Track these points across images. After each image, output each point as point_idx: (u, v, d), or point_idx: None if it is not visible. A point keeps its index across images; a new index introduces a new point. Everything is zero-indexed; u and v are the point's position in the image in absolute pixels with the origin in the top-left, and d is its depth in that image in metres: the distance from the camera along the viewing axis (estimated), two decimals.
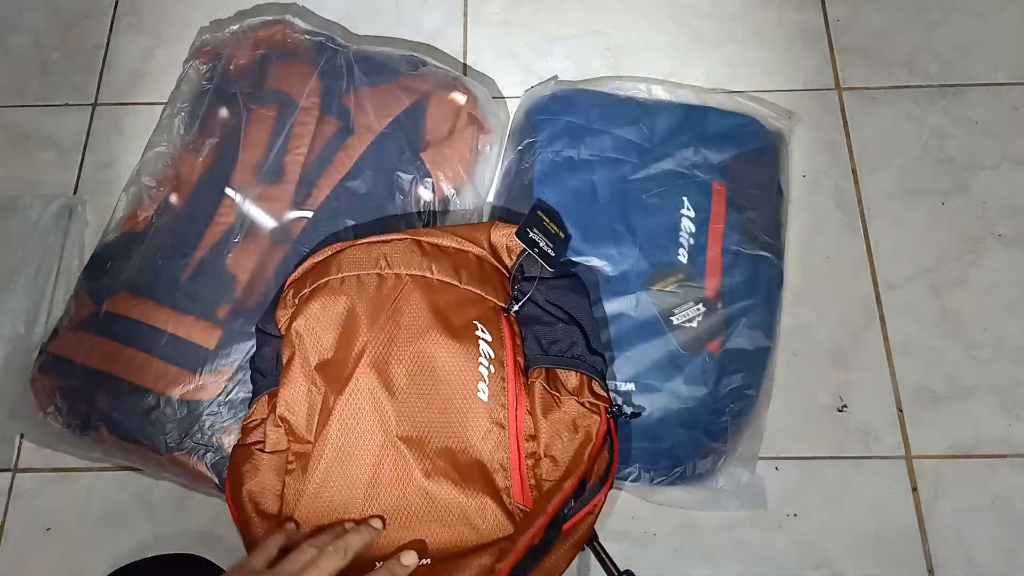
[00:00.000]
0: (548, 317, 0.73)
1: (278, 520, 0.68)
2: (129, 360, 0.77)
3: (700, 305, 0.81)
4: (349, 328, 0.70)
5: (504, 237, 0.77)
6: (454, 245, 0.76)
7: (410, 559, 0.63)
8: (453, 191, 0.86)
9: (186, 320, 0.78)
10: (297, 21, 0.92)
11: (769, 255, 0.83)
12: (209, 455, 0.75)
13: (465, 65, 1.00)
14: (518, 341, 0.72)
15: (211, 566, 0.68)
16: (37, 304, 0.87)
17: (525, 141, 0.89)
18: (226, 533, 0.79)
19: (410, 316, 0.70)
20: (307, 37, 0.91)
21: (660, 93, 0.92)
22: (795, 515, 0.79)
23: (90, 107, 1.00)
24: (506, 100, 0.97)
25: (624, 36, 1.01)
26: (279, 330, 0.73)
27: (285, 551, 0.61)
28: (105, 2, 1.06)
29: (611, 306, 0.80)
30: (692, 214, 0.84)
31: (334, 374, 0.69)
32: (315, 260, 0.75)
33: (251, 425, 0.72)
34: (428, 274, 0.73)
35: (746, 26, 1.01)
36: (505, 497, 0.67)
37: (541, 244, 0.75)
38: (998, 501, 0.79)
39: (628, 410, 0.74)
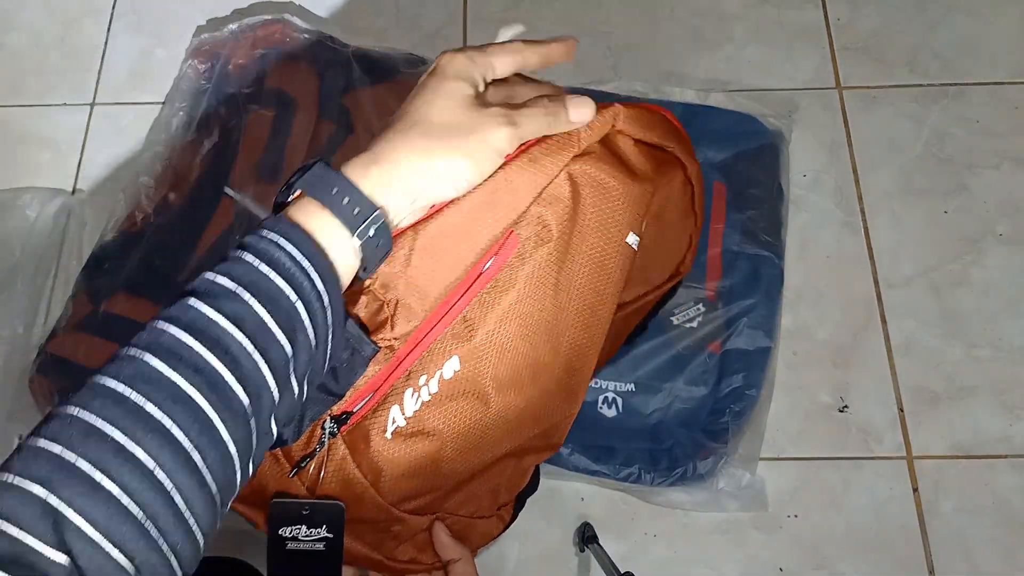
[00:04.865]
0: None
1: None
2: None
3: (700, 305, 0.80)
4: None
5: None
6: None
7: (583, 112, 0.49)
8: None
9: None
10: (296, 20, 0.92)
11: (769, 255, 0.83)
12: None
13: None
14: None
15: (255, 572, 0.67)
16: (35, 304, 0.87)
17: None
18: (225, 534, 0.79)
19: None
20: (306, 36, 0.91)
21: (660, 92, 0.92)
22: (796, 516, 0.79)
23: (88, 107, 1.00)
24: None
25: (624, 36, 1.01)
26: None
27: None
28: (103, 2, 1.06)
29: None
30: None
31: None
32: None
33: None
34: None
35: (746, 25, 1.01)
36: None
37: None
38: (999, 501, 0.78)
39: None
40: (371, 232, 0.41)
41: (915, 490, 0.79)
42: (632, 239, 0.55)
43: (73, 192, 0.94)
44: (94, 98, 1.00)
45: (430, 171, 0.43)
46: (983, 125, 0.94)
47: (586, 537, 0.75)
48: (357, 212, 0.40)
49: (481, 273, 0.51)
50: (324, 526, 0.58)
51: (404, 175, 0.42)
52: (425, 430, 0.55)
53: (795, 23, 1.01)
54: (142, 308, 0.78)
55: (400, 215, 0.43)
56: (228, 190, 0.83)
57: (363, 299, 0.50)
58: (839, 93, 0.97)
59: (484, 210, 0.49)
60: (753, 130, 0.90)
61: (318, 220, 0.40)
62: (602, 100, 0.79)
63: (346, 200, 0.40)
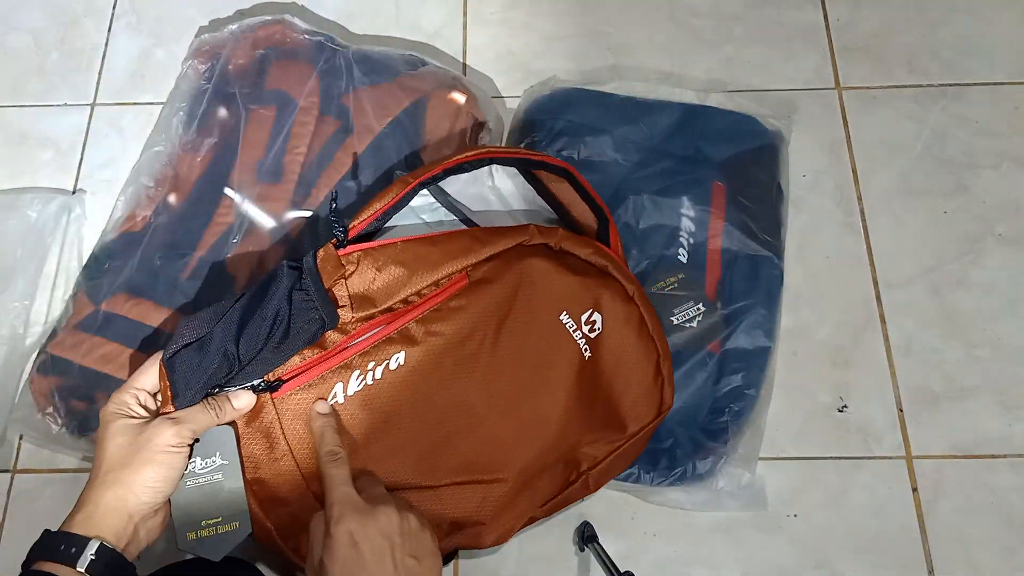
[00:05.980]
0: None
1: None
2: (128, 361, 0.77)
3: (700, 305, 0.81)
4: None
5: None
6: None
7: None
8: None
9: None
10: (296, 21, 0.92)
11: (769, 254, 0.83)
12: None
13: (464, 65, 1.00)
14: None
15: (257, 572, 0.67)
16: (35, 304, 0.87)
17: (525, 141, 0.89)
18: None
19: None
20: (306, 37, 0.91)
21: (660, 93, 0.92)
22: (795, 516, 0.79)
23: (89, 107, 1.00)
24: (505, 100, 0.97)
25: (624, 36, 1.01)
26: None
27: None
28: (103, 2, 1.06)
29: None
30: (692, 214, 0.84)
31: None
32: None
33: None
34: None
35: (746, 25, 1.01)
36: None
37: None
38: (998, 501, 0.78)
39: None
40: (92, 557, 0.53)
41: (915, 490, 0.79)
42: (566, 319, 0.67)
43: (73, 192, 0.95)
44: (94, 98, 1.00)
45: (128, 490, 0.55)
46: (983, 125, 0.94)
47: (586, 536, 0.76)
48: (74, 551, 0.53)
49: (433, 295, 0.65)
50: (217, 453, 0.60)
51: (107, 506, 0.55)
52: (359, 416, 0.63)
53: (795, 23, 1.01)
54: (142, 308, 0.78)
55: (125, 529, 0.55)
56: (228, 190, 0.83)
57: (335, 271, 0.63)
58: (839, 93, 0.97)
59: (453, 253, 0.65)
60: (753, 130, 0.90)
61: (56, 572, 0.53)
62: (601, 100, 0.85)
63: (64, 547, 0.54)
